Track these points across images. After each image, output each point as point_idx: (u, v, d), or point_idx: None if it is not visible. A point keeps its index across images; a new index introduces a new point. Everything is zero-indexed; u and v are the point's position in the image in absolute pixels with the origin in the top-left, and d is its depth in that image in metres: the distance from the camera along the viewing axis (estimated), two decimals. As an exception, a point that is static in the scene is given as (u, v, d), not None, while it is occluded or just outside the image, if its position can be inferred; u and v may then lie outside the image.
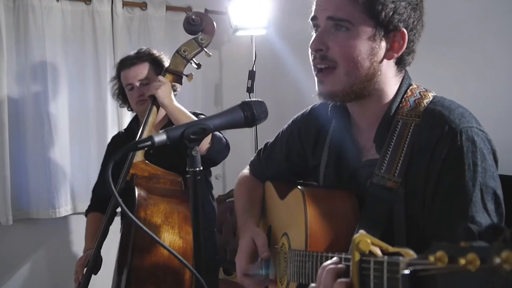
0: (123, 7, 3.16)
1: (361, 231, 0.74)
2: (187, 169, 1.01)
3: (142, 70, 2.14)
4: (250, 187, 1.48)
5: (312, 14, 1.08)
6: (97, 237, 1.94)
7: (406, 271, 0.59)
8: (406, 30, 1.02)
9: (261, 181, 1.48)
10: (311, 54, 1.07)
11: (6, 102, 2.79)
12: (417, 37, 1.06)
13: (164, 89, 1.98)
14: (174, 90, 2.19)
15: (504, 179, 1.02)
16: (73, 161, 3.03)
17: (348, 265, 0.76)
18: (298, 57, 3.07)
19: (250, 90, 3.30)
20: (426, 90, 1.09)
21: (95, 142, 3.11)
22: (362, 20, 1.00)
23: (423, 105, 1.04)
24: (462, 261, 0.48)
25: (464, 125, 0.97)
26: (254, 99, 1.10)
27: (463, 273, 0.49)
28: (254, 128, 3.27)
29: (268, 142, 1.47)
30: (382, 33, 1.01)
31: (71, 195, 3.03)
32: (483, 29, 2.11)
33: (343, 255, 0.82)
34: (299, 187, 1.15)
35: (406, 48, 1.04)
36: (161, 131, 0.99)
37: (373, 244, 0.71)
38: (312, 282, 0.97)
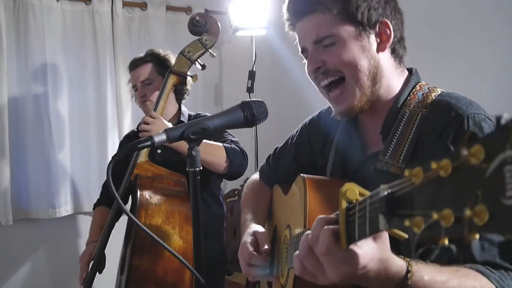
0: (123, 7, 3.15)
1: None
2: (187, 169, 1.01)
3: (144, 71, 2.16)
4: (257, 190, 1.50)
5: (300, 47, 1.14)
6: (101, 235, 1.94)
7: (384, 193, 0.59)
8: (388, 20, 1.06)
9: (269, 186, 1.49)
10: (311, 75, 1.11)
11: (6, 102, 2.79)
12: (400, 24, 1.10)
13: (157, 130, 1.85)
14: (182, 93, 2.19)
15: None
16: (73, 161, 3.03)
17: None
18: (298, 57, 3.06)
19: (250, 90, 3.30)
20: (435, 87, 1.10)
21: (95, 142, 3.11)
22: (343, 27, 1.05)
23: (431, 98, 1.05)
24: (434, 166, 0.48)
25: (471, 111, 0.97)
26: (254, 99, 1.11)
27: (435, 181, 0.49)
28: (254, 128, 3.27)
29: (278, 147, 1.49)
30: (366, 30, 1.05)
31: (71, 195, 3.02)
32: (484, 28, 2.11)
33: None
34: (301, 174, 1.15)
35: (393, 37, 1.07)
36: (161, 131, 1.00)
37: (361, 194, 0.70)
38: None
